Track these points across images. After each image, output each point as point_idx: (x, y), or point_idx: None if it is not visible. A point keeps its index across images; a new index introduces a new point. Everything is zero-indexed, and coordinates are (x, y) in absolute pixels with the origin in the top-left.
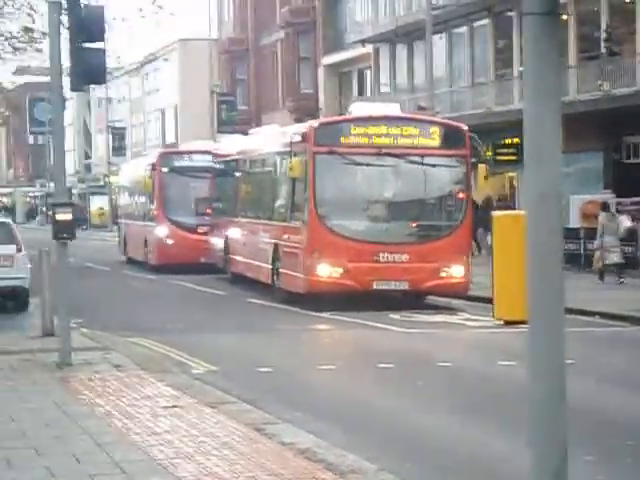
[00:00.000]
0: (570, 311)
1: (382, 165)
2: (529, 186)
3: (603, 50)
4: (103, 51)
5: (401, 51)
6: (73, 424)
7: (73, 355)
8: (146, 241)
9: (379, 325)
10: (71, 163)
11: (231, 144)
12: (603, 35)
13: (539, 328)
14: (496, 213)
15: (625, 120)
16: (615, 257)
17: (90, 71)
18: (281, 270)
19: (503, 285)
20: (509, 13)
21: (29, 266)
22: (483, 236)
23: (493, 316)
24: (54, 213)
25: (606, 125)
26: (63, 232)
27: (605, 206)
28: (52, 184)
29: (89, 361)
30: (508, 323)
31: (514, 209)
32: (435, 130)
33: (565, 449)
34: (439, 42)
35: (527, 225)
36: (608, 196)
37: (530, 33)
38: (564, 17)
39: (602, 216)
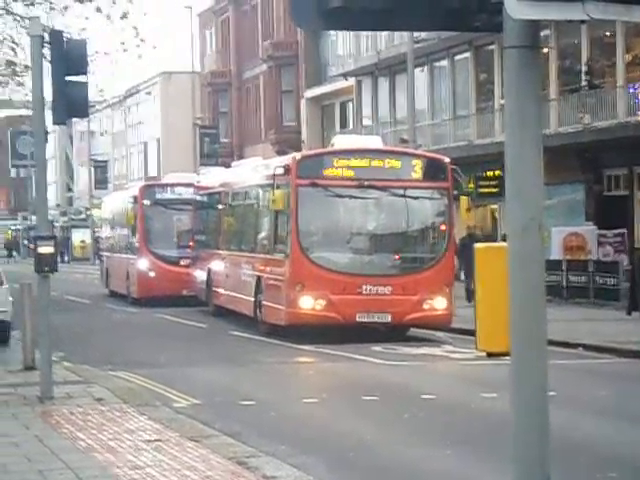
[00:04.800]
0: (553, 343)
1: (364, 197)
2: (511, 218)
3: (584, 83)
4: (85, 84)
5: (383, 84)
6: (55, 458)
7: (55, 389)
8: (128, 274)
9: (362, 357)
10: (53, 196)
11: (213, 177)
12: (584, 68)
13: (521, 360)
14: (478, 245)
15: (606, 152)
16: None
17: (72, 104)
18: (264, 302)
19: (485, 317)
20: (490, 46)
21: (11, 299)
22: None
23: (476, 348)
24: (36, 246)
25: (587, 157)
26: (45, 265)
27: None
28: (34, 217)
29: (71, 395)
30: (490, 355)
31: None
32: (417, 163)
33: None
34: (421, 75)
35: (509, 257)
36: (590, 228)
37: (511, 66)
38: (545, 50)
39: None
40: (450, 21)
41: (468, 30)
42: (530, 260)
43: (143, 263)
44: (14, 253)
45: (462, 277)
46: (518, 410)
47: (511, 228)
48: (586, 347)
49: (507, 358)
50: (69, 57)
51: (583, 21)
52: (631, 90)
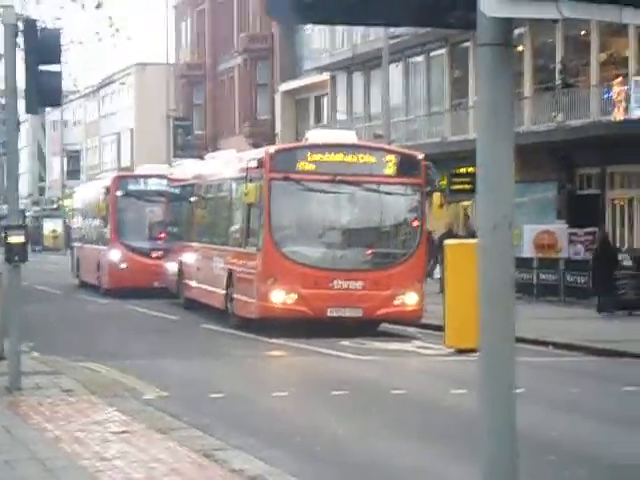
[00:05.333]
0: (523, 340)
1: (337, 192)
2: (481, 215)
3: (558, 82)
4: (59, 74)
5: (358, 79)
6: (22, 448)
7: (23, 379)
8: (99, 265)
9: (333, 352)
10: (25, 186)
11: (187, 169)
12: (558, 67)
13: (489, 357)
14: (448, 242)
15: (579, 151)
16: None
17: (45, 93)
18: (235, 296)
19: (454, 313)
20: (465, 44)
21: None
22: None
23: (444, 344)
24: (6, 236)
25: (560, 156)
26: (15, 255)
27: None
28: (5, 206)
29: (39, 385)
30: (459, 351)
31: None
32: (391, 158)
33: (516, 478)
34: (396, 71)
35: (479, 254)
36: (562, 226)
37: (484, 64)
38: (520, 48)
39: None
40: (424, 17)
41: (442, 26)
42: (500, 257)
43: (114, 254)
44: None
45: (437, 273)
46: (486, 407)
47: (482, 225)
48: (556, 345)
49: (475, 354)
50: (43, 46)
51: (556, 20)
52: (606, 96)
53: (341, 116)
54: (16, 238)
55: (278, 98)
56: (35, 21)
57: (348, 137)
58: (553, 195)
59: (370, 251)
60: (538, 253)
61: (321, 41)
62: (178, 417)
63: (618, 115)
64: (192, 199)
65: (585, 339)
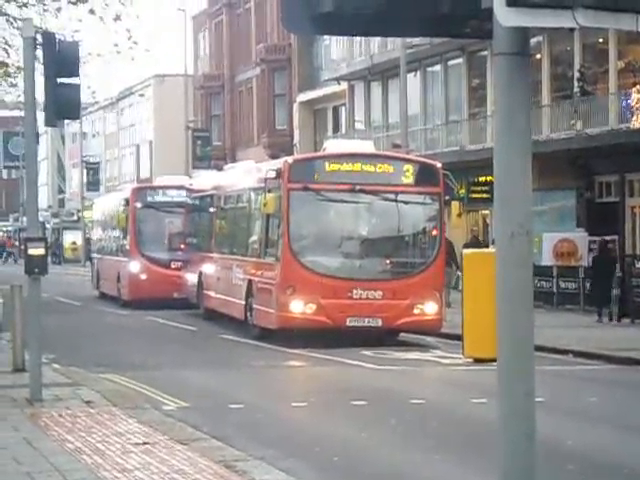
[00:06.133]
0: (543, 349)
1: (356, 202)
2: (499, 224)
3: (576, 89)
4: (78, 86)
5: (376, 89)
6: (43, 460)
7: (44, 391)
8: (119, 276)
9: (352, 362)
10: (45, 198)
11: (206, 180)
12: (576, 74)
13: (508, 366)
14: (466, 251)
15: (598, 159)
16: None
17: (64, 106)
18: (255, 306)
19: (473, 323)
20: (483, 52)
21: (1, 301)
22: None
23: (463, 354)
24: (26, 248)
25: (579, 164)
26: (35, 267)
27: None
28: (25, 218)
29: (60, 397)
30: (478, 361)
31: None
32: (409, 168)
33: None
34: (413, 80)
35: (497, 263)
36: (582, 234)
37: (500, 73)
38: (538, 56)
39: None
40: (440, 27)
41: (458, 36)
42: (518, 266)
43: (134, 265)
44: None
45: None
46: (505, 417)
47: (499, 234)
48: (575, 353)
49: (494, 364)
50: (61, 59)
51: (572, 29)
52: (624, 103)
53: (359, 126)
54: (36, 250)
55: (296, 108)
56: (53, 34)
57: (366, 147)
58: (572, 203)
59: (389, 260)
60: (558, 261)
61: (339, 51)
62: (199, 428)
63: (637, 123)
64: (211, 210)
65: (604, 347)
